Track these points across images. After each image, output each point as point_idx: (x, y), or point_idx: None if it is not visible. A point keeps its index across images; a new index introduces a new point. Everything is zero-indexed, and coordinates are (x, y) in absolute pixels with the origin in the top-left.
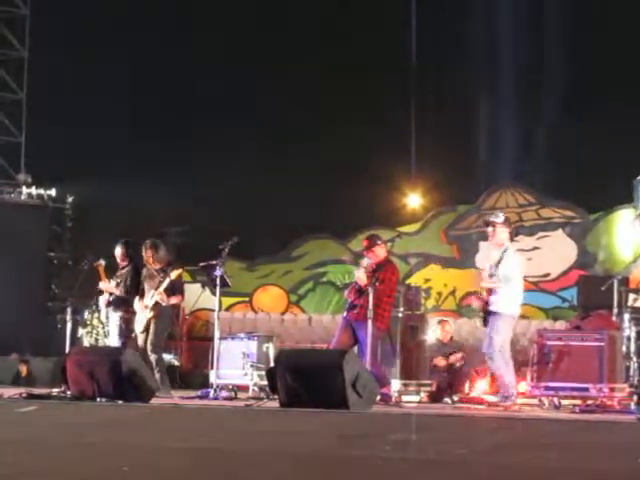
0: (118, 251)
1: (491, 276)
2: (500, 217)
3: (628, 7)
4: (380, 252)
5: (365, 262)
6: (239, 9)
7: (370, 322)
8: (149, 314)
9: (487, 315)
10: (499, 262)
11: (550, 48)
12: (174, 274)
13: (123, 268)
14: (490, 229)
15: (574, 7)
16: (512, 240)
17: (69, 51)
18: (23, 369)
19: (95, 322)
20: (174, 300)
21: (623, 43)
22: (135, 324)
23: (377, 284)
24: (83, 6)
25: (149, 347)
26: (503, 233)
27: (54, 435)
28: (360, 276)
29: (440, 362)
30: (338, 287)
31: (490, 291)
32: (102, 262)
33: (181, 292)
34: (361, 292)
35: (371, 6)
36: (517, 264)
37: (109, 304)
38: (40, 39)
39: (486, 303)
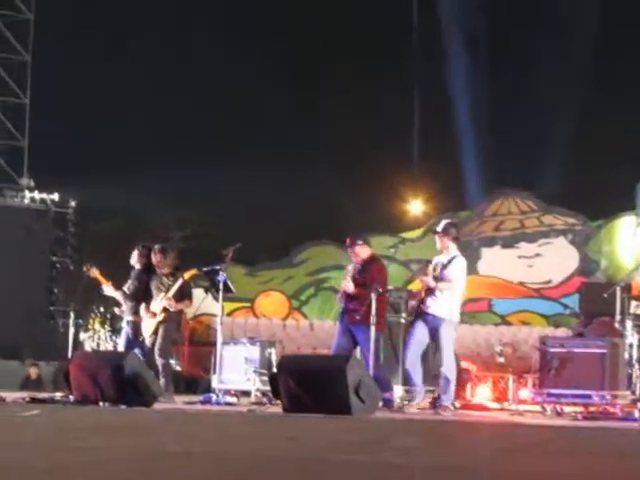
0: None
1: (435, 279)
2: (441, 225)
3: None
4: (362, 252)
5: (350, 267)
6: None
7: (373, 328)
8: (159, 318)
9: (418, 316)
10: (446, 267)
11: (562, 58)
12: (187, 274)
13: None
14: (435, 237)
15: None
16: (457, 244)
17: (72, 55)
18: (33, 372)
19: (97, 326)
20: (182, 306)
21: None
22: (143, 329)
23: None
24: (85, 10)
25: (157, 352)
26: (447, 240)
27: (58, 439)
28: (347, 285)
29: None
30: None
31: (427, 293)
32: (93, 267)
33: (189, 297)
34: (351, 297)
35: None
36: (463, 272)
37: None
38: (43, 43)
39: (421, 303)
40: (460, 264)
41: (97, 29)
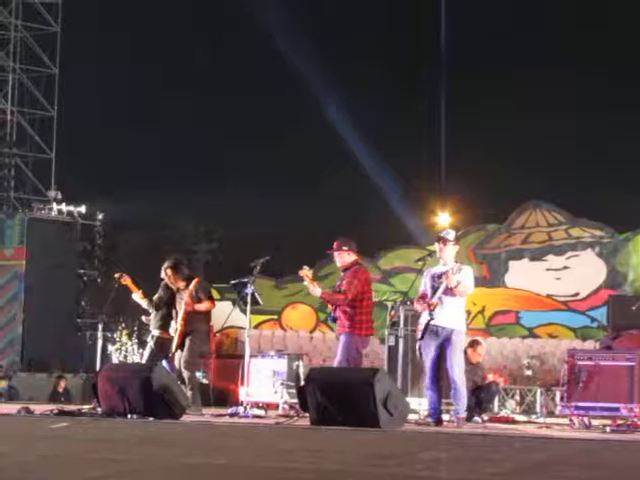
0: (169, 272)
1: (434, 289)
2: (451, 234)
3: None
4: (345, 258)
5: (305, 269)
6: None
7: (345, 334)
8: (179, 329)
9: (428, 332)
10: (448, 276)
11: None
12: (193, 283)
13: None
14: (440, 245)
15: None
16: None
17: (99, 68)
18: (60, 385)
19: (124, 339)
20: (202, 306)
21: None
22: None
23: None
24: (112, 23)
25: (182, 364)
26: (453, 250)
27: (86, 451)
28: (315, 292)
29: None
30: None
31: (435, 305)
32: (124, 275)
33: (210, 298)
34: (335, 306)
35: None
36: (473, 282)
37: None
38: (71, 56)
39: (430, 318)
40: (471, 272)
41: (124, 41)
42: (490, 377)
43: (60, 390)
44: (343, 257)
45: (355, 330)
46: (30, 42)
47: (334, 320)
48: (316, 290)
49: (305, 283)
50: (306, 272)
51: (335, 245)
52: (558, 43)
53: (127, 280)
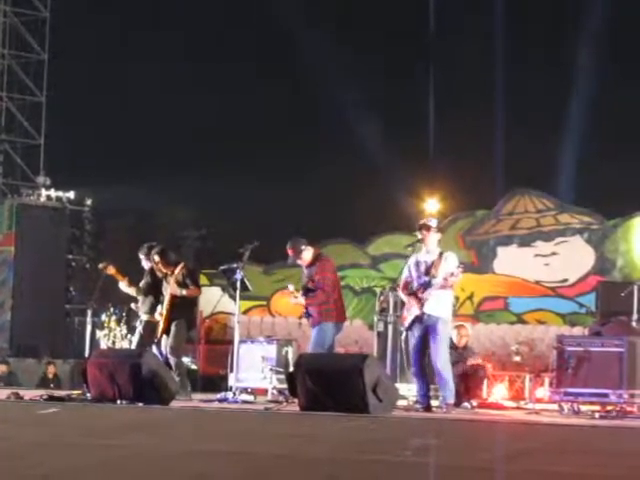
0: (156, 259)
1: (420, 279)
2: (433, 222)
3: None
4: (307, 255)
5: (290, 287)
6: None
7: (323, 324)
8: (165, 314)
9: (415, 321)
10: (435, 266)
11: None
12: (178, 269)
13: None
14: (424, 232)
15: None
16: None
17: (88, 54)
18: (50, 371)
19: (113, 325)
20: (190, 292)
21: None
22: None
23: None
24: (101, 8)
25: (168, 350)
26: (436, 237)
27: (76, 437)
28: (300, 302)
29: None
30: (356, 291)
31: (422, 294)
32: (109, 265)
33: (196, 284)
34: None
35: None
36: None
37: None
38: (60, 41)
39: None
40: (456, 258)
41: (114, 26)
42: (478, 360)
43: (50, 376)
44: (304, 256)
45: (328, 319)
46: (19, 28)
47: (309, 316)
48: (300, 300)
49: (291, 300)
50: (291, 290)
51: (291, 252)
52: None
53: (112, 270)
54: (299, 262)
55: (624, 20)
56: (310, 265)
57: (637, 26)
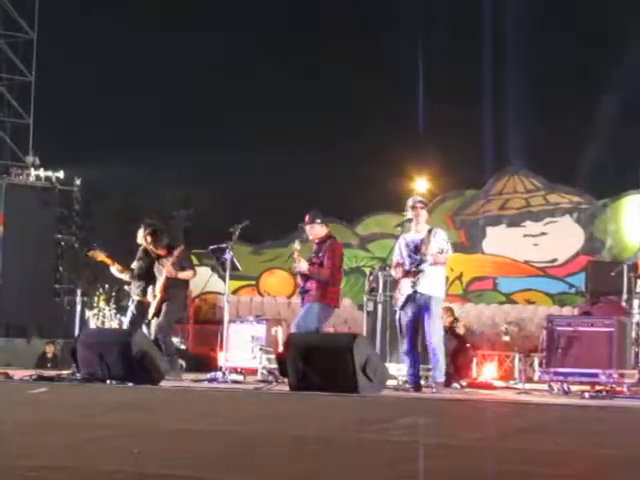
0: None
1: (412, 257)
2: (422, 199)
3: None
4: (318, 230)
5: (297, 244)
6: None
7: (317, 303)
8: (158, 297)
9: (408, 300)
10: (425, 243)
11: (561, 35)
12: (177, 251)
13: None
14: (416, 211)
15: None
16: None
17: (77, 32)
18: (49, 350)
19: (102, 304)
20: (184, 274)
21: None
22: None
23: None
24: None
25: (157, 329)
26: (425, 215)
27: (66, 416)
28: (300, 266)
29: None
30: (345, 271)
31: (415, 272)
32: (97, 251)
33: (192, 267)
34: (307, 277)
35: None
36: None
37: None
38: (49, 21)
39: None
40: (446, 235)
41: (103, 5)
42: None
43: (49, 355)
44: (316, 230)
45: (325, 300)
46: (7, 6)
47: (305, 292)
48: (302, 265)
49: (294, 256)
50: (296, 247)
51: (307, 218)
52: None
53: (100, 256)
54: (309, 234)
55: None
56: (320, 242)
57: None
